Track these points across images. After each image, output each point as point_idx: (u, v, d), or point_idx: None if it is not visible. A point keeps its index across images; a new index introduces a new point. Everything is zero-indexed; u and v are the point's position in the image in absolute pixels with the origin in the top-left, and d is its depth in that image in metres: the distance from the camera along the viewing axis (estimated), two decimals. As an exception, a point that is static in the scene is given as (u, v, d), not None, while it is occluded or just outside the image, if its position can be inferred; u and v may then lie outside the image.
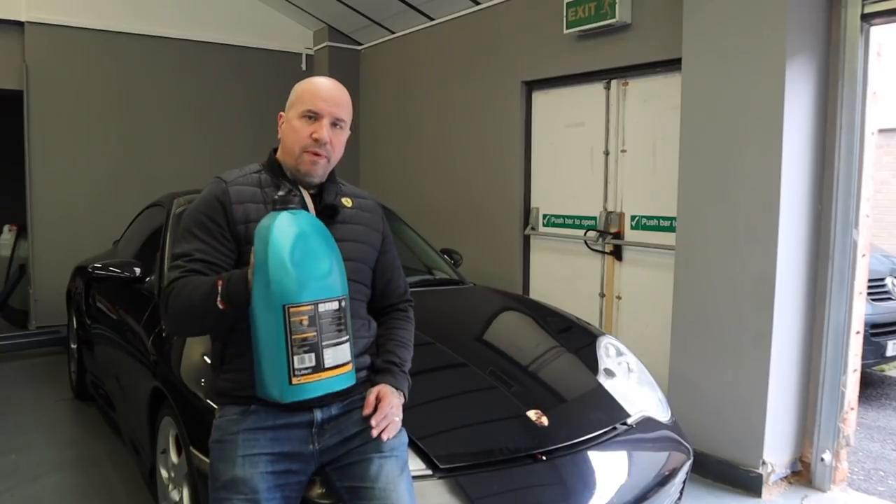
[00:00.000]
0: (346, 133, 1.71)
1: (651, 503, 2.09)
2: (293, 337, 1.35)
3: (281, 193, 1.44)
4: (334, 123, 1.65)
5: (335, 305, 1.40)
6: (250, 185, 1.66)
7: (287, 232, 1.38)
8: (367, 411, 1.62)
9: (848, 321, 3.10)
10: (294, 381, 1.36)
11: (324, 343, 1.38)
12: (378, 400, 1.64)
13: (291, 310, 1.35)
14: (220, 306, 1.47)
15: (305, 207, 1.63)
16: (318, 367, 1.37)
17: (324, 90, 1.65)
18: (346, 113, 1.68)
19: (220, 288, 1.48)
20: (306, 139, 1.62)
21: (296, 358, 1.35)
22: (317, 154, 1.63)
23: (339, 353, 1.41)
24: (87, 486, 3.10)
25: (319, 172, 1.66)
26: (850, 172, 3.05)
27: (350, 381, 1.46)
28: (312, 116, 1.63)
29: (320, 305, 1.37)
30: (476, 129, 5.15)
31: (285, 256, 1.35)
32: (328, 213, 1.67)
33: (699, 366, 3.32)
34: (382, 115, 6.33)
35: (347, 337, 1.44)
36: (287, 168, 1.68)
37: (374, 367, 1.75)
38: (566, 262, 4.52)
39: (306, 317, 1.35)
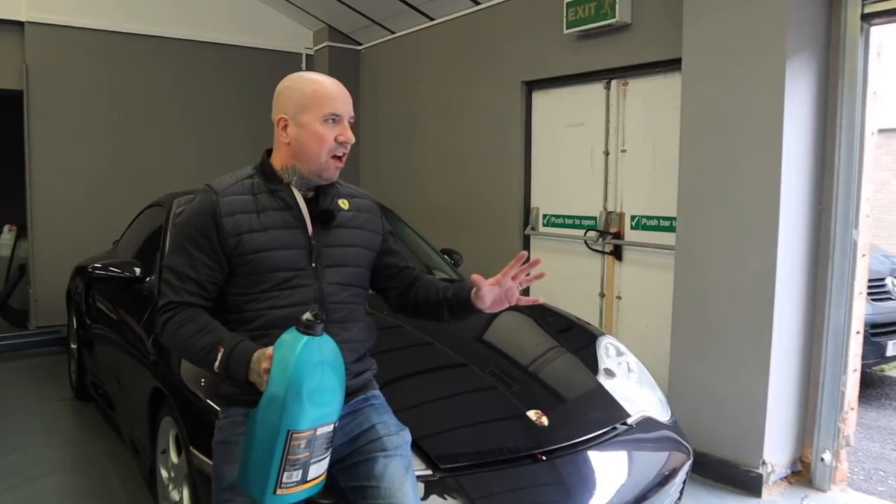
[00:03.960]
0: None
1: (651, 503, 2.09)
2: (289, 457, 1.40)
3: (307, 317, 1.41)
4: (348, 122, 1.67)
5: (330, 428, 1.46)
6: (242, 193, 1.64)
7: (309, 362, 1.40)
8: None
9: (848, 321, 3.10)
10: (279, 491, 1.41)
11: (313, 461, 1.44)
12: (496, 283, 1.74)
13: (294, 435, 1.39)
14: (217, 370, 1.52)
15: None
16: (302, 481, 1.44)
17: (336, 90, 1.64)
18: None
19: (219, 354, 1.51)
20: (331, 143, 1.61)
21: (285, 474, 1.41)
22: (341, 158, 1.64)
23: (320, 467, 1.48)
24: (87, 486, 3.10)
25: (337, 176, 1.68)
26: (850, 172, 3.05)
27: (318, 489, 1.51)
28: (336, 119, 1.61)
29: (318, 430, 1.43)
30: (476, 129, 5.15)
31: (302, 389, 1.38)
32: (324, 219, 1.65)
33: (699, 366, 3.32)
34: (382, 116, 6.33)
35: (329, 451, 1.50)
36: (300, 172, 1.64)
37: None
38: (566, 261, 4.52)
39: (305, 441, 1.41)
